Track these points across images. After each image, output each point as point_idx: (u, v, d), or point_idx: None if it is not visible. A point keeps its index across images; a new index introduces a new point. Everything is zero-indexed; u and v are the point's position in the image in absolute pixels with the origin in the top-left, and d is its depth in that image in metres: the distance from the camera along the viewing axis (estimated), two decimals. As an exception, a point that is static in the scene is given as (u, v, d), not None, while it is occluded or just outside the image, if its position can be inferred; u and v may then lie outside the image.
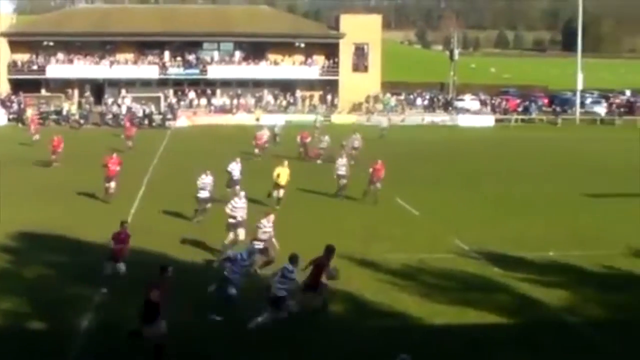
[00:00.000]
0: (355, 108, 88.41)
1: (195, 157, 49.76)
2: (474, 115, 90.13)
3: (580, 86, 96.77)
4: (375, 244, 28.41)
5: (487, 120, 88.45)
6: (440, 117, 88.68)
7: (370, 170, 37.38)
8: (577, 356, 18.50)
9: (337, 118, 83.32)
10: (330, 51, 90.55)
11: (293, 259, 19.46)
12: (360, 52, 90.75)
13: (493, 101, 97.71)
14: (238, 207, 26.34)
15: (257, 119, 79.02)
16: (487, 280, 24.29)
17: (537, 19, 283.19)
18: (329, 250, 20.34)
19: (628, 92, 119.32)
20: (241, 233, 26.02)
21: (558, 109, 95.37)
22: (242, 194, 27.59)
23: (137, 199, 36.66)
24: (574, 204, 37.97)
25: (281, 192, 35.15)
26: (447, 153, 59.01)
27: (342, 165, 38.70)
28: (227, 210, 26.41)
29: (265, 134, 55.14)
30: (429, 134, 74.79)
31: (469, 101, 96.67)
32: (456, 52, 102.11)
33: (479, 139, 72.02)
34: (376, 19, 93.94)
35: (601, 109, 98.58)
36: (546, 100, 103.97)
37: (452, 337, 19.26)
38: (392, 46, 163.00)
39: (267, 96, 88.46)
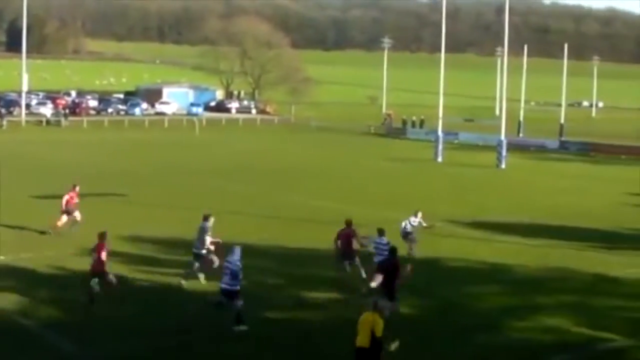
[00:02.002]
0: None
1: None
2: None
3: (25, 87, 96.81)
4: None
5: None
6: None
7: (67, 197, 31.13)
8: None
9: None
10: None
11: (381, 232, 24.33)
12: None
13: None
14: None
15: None
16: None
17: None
18: (348, 223, 25.40)
19: (74, 93, 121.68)
20: None
21: (4, 110, 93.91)
22: None
23: None
24: (21, 206, 37.53)
25: None
26: None
27: None
28: None
29: None
30: None
31: None
32: None
33: None
34: None
35: (47, 110, 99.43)
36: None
37: None
38: None
39: None
